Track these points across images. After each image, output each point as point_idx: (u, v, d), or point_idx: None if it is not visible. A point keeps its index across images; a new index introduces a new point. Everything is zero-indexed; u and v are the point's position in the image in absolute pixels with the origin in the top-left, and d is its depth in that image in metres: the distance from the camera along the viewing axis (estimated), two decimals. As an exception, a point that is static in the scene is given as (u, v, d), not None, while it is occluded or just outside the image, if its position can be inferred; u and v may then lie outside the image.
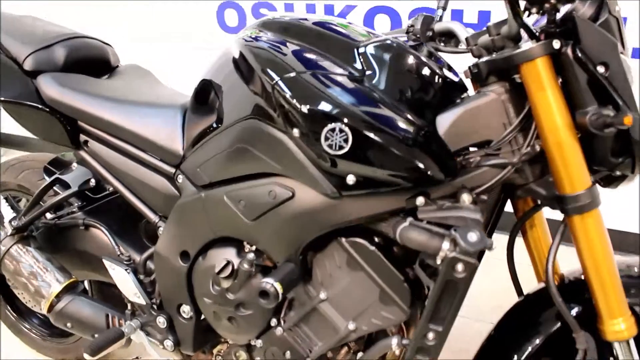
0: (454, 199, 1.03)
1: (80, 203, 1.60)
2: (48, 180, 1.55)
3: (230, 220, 1.22)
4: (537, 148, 1.00)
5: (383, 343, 1.18)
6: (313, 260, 1.20)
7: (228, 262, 1.25)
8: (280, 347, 1.30)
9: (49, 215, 1.61)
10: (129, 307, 1.51)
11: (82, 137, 1.49)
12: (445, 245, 0.99)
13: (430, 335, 1.07)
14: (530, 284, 1.25)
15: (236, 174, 1.19)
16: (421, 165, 0.98)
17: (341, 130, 0.99)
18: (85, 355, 1.39)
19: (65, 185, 1.55)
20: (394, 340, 1.16)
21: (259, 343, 1.32)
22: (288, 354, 1.29)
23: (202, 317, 1.40)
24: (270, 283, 1.12)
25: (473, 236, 0.96)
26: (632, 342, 1.10)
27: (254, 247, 1.26)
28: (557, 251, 1.09)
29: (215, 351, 1.50)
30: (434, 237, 1.01)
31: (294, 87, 1.04)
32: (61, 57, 1.52)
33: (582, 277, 1.10)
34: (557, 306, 1.08)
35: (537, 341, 1.17)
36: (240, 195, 1.19)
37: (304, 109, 1.02)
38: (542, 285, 1.26)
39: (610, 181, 1.07)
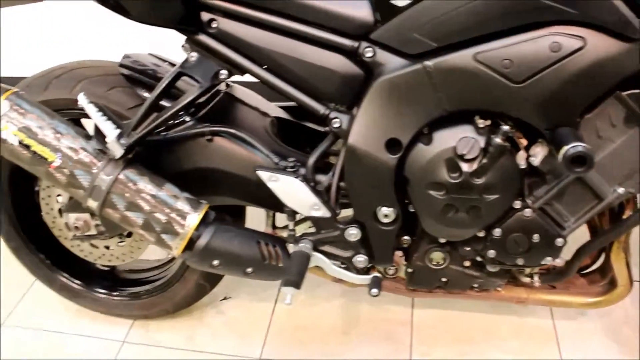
0: None
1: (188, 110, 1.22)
2: (170, 76, 1.14)
3: (479, 88, 1.01)
4: None
5: None
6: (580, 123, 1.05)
7: (476, 141, 1.04)
8: (526, 232, 1.13)
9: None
10: (291, 226, 1.21)
11: (205, 16, 1.12)
12: None
13: None
14: None
15: (495, 28, 0.98)
16: None
17: None
18: (288, 289, 1.09)
19: (178, 89, 1.17)
20: None
21: (497, 232, 1.14)
22: (536, 237, 1.13)
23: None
24: (582, 145, 0.95)
25: None
26: None
27: (488, 121, 1.06)
28: None
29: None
30: None
31: None
32: None
33: None
34: None
35: None
36: (503, 54, 0.98)
37: None
38: None
39: None
